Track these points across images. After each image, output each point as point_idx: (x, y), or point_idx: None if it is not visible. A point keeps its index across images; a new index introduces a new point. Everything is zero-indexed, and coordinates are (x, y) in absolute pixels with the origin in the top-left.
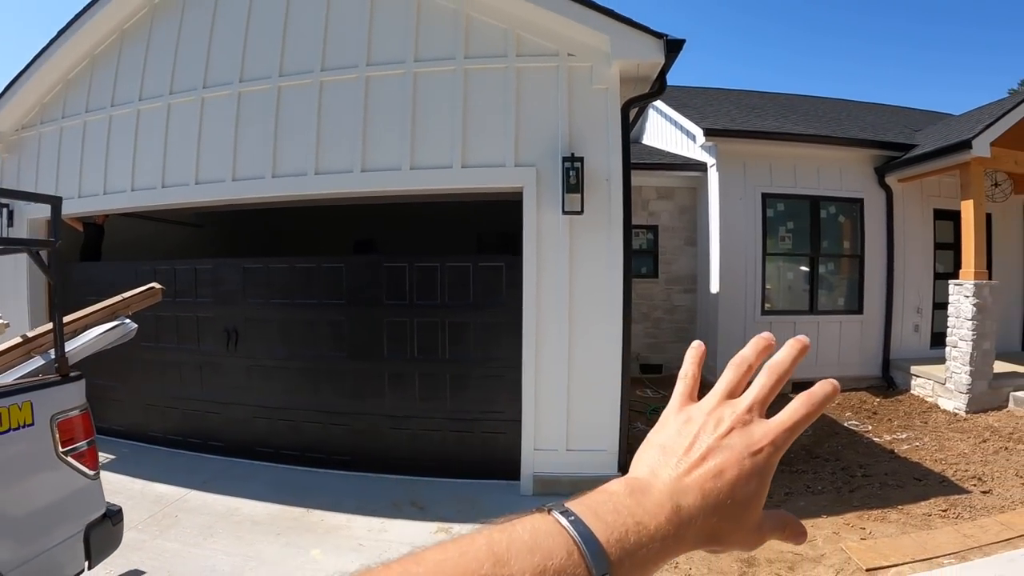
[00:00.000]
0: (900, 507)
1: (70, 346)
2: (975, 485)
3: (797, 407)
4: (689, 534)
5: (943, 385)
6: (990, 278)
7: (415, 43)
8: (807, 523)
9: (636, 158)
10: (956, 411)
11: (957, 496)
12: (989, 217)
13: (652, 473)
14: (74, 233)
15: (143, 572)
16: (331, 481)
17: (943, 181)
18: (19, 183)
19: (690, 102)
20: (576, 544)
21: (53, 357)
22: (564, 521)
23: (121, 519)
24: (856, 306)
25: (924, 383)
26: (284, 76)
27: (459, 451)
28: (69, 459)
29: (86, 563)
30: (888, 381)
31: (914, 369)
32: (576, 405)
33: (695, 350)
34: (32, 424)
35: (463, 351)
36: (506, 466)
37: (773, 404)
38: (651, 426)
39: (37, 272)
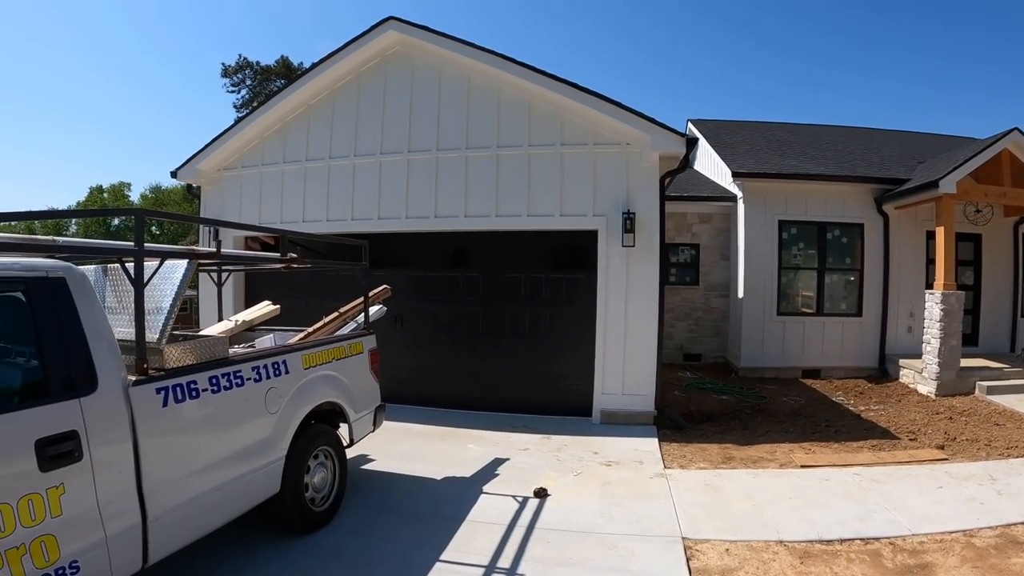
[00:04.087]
0: (843, 443)
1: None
2: (907, 436)
3: None
4: None
5: (920, 374)
6: (979, 289)
7: (528, 133)
8: (774, 447)
9: (684, 187)
10: (928, 394)
11: (889, 440)
12: (979, 237)
13: None
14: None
15: (368, 454)
16: (466, 416)
17: (935, 208)
18: (223, 211)
19: (727, 138)
20: None
21: (362, 322)
22: None
23: (385, 409)
24: (856, 310)
25: (907, 373)
26: (440, 150)
27: (553, 397)
28: (372, 372)
29: (372, 427)
30: (883, 372)
31: (902, 362)
32: (629, 367)
33: None
34: (362, 353)
35: (556, 332)
36: (584, 407)
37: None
38: (685, 395)
39: (238, 276)
